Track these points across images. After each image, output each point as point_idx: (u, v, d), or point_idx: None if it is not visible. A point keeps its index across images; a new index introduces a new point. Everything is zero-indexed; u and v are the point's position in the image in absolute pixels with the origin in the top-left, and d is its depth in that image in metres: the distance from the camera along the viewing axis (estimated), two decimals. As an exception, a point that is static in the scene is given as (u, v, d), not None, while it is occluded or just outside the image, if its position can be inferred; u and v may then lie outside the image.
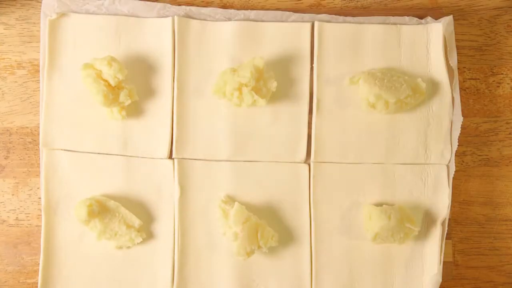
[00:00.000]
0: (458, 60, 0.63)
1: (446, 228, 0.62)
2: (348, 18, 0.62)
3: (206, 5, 0.64)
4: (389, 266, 0.62)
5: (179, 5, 0.63)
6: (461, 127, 0.62)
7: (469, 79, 0.65)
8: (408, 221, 0.60)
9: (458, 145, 0.62)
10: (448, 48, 0.62)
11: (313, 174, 0.62)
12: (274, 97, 0.61)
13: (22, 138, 0.63)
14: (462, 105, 0.64)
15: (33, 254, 0.63)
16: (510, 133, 0.65)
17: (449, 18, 0.62)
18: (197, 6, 0.63)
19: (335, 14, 0.62)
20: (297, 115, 0.62)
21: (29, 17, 0.63)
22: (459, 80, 0.64)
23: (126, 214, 0.60)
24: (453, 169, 0.62)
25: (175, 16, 0.62)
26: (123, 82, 0.59)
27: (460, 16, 0.65)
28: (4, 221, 0.63)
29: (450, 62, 0.62)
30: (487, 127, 0.65)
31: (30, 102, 0.63)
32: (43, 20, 0.61)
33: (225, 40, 0.62)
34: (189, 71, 0.62)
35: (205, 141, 0.62)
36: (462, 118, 0.61)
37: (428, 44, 0.62)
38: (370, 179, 0.62)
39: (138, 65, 0.62)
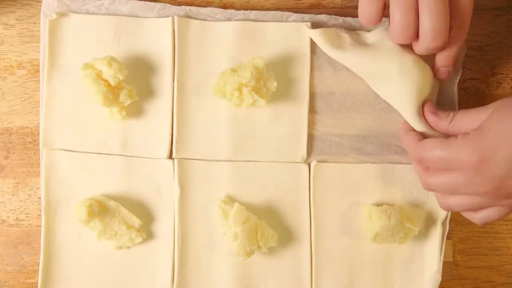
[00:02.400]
0: None
1: (447, 228, 0.62)
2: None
3: (206, 5, 0.64)
4: (389, 266, 0.62)
5: (179, 5, 0.63)
6: None
7: (469, 79, 0.65)
8: (408, 221, 0.59)
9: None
10: None
11: (313, 174, 0.62)
12: (274, 97, 0.61)
13: (22, 138, 0.63)
14: (462, 105, 0.64)
15: (33, 254, 0.62)
16: (510, 133, 0.65)
17: None
18: (197, 6, 0.63)
19: (335, 15, 0.63)
20: (297, 115, 0.62)
21: (29, 17, 0.63)
22: (458, 80, 0.63)
23: (126, 214, 0.60)
24: None
25: (175, 16, 0.61)
26: (123, 82, 0.59)
27: None
28: (4, 221, 0.63)
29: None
30: (487, 127, 0.65)
31: (30, 102, 0.63)
32: (43, 20, 0.61)
33: (225, 40, 0.62)
34: (189, 71, 0.62)
35: (205, 141, 0.62)
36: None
37: None
38: (370, 179, 0.62)
39: (138, 65, 0.62)
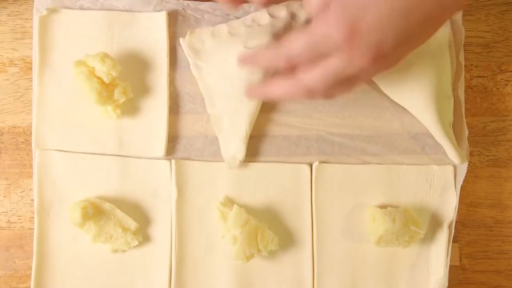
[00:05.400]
0: (464, 57, 0.62)
1: (453, 231, 0.61)
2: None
3: (204, 0, 0.63)
4: (394, 270, 0.61)
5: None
6: (468, 127, 0.61)
7: (476, 77, 0.64)
8: (413, 224, 0.58)
9: (465, 146, 0.61)
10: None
11: (315, 175, 0.61)
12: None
13: (14, 138, 0.62)
14: (469, 104, 0.63)
15: (25, 257, 0.61)
16: (518, 133, 0.64)
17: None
18: (195, 0, 0.61)
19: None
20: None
21: (21, 13, 0.62)
22: (465, 78, 0.62)
23: (122, 216, 0.59)
24: (463, 171, 0.61)
25: (165, 11, 0.60)
26: (117, 79, 0.57)
27: (467, 12, 0.63)
28: (-4, 223, 0.61)
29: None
30: (495, 127, 0.64)
31: (22, 101, 0.62)
32: (35, 16, 0.60)
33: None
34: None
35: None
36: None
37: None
38: (374, 180, 0.61)
39: (132, 61, 0.60)
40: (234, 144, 0.59)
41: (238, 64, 0.52)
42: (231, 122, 0.59)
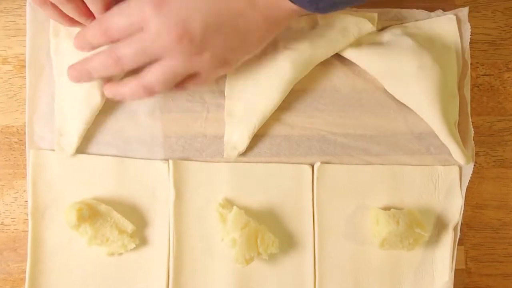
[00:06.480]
0: (470, 55, 0.61)
1: (458, 234, 0.60)
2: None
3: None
4: (397, 273, 0.60)
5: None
6: (473, 126, 0.60)
7: (482, 75, 0.63)
8: (418, 226, 0.58)
9: (471, 146, 0.60)
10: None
11: (317, 176, 0.60)
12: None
13: (7, 138, 0.60)
14: (474, 103, 0.62)
15: (19, 261, 0.60)
16: (526, 132, 0.63)
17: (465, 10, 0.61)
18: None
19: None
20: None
21: (15, 9, 0.61)
22: (471, 76, 0.62)
23: (119, 218, 0.58)
24: (469, 172, 0.60)
25: None
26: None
27: (473, 8, 0.63)
28: (-11, 226, 0.60)
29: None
30: (501, 126, 0.63)
31: (16, 100, 0.60)
32: (29, 12, 0.59)
33: None
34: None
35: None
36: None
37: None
38: (377, 181, 0.60)
39: None
40: (239, 134, 0.59)
41: (69, 77, 0.53)
42: (244, 112, 0.59)
